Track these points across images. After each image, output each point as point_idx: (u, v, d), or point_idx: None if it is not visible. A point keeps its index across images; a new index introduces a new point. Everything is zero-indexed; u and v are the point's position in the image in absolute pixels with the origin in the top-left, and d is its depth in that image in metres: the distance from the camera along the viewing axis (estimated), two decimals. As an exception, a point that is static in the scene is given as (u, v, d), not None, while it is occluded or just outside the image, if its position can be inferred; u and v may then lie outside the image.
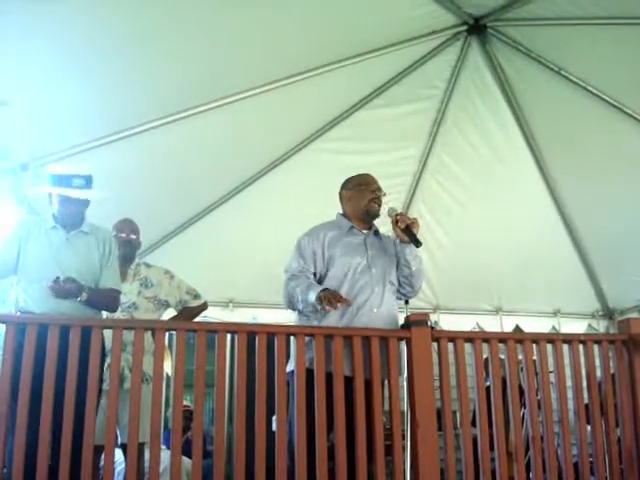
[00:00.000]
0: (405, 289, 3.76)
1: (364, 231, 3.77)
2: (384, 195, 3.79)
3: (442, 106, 5.65)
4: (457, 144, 5.94)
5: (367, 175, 3.86)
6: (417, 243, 3.55)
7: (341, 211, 3.87)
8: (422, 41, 5.03)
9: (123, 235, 4.53)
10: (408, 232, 3.55)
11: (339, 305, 3.31)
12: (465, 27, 5.01)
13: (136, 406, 3.06)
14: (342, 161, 5.49)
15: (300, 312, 3.60)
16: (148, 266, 4.67)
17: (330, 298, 3.31)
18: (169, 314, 4.89)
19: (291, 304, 3.59)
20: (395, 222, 3.59)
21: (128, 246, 4.54)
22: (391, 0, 4.58)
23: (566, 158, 5.86)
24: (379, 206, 3.75)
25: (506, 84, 5.39)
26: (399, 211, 3.66)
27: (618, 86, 5.02)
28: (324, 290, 3.38)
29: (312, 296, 3.38)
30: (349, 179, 3.87)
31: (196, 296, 4.70)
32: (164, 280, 4.62)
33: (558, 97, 5.25)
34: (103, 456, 3.05)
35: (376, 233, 3.82)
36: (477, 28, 4.99)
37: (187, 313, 4.64)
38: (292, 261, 3.65)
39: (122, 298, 4.41)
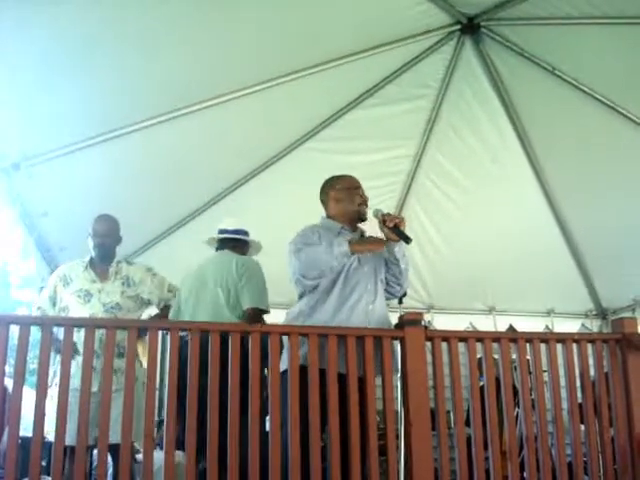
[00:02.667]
0: (394, 288, 3.76)
1: (352, 232, 3.76)
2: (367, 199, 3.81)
3: (436, 105, 5.65)
4: (451, 143, 5.94)
5: (353, 178, 3.85)
6: (408, 240, 3.55)
7: (324, 214, 3.85)
8: (415, 40, 5.03)
9: (97, 239, 4.46)
10: (397, 230, 3.54)
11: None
12: (459, 26, 5.01)
13: (129, 406, 3.05)
14: (336, 160, 5.48)
15: (310, 282, 3.55)
16: (130, 263, 4.62)
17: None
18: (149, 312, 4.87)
19: (310, 266, 3.50)
20: (383, 222, 3.58)
21: (102, 249, 4.48)
22: (384, -1, 4.58)
23: (559, 157, 5.87)
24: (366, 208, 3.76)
25: (500, 83, 5.39)
26: (385, 211, 3.64)
27: (611, 85, 5.03)
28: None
29: (343, 246, 3.47)
30: (335, 180, 3.85)
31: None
32: (146, 278, 4.57)
33: (552, 96, 5.25)
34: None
35: (362, 235, 3.82)
36: (471, 27, 4.99)
37: (168, 311, 4.57)
38: (297, 245, 3.59)
39: (105, 298, 4.38)
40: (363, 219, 3.79)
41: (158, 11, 4.08)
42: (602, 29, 4.60)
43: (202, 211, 6.11)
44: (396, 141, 5.97)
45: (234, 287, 4.22)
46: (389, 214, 3.60)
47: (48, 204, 5.12)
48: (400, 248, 3.62)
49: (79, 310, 4.31)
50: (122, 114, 4.75)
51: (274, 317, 6.03)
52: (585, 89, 5.10)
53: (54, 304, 4.45)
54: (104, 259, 4.50)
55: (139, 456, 3.79)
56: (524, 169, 6.01)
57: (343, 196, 3.79)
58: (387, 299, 3.83)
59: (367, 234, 3.83)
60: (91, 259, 4.51)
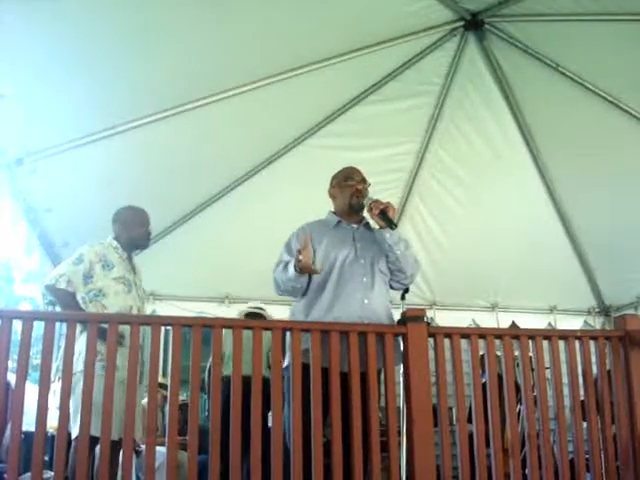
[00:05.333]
0: (398, 276, 3.72)
1: (353, 225, 3.76)
2: (368, 186, 3.78)
3: (439, 102, 5.64)
4: (454, 140, 5.94)
5: (349, 169, 3.86)
6: (391, 225, 3.55)
7: (333, 208, 3.89)
8: (419, 37, 5.02)
9: (146, 229, 4.44)
10: (383, 216, 3.54)
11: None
12: (462, 23, 5.00)
13: (132, 403, 3.06)
14: (338, 157, 5.45)
15: (289, 296, 3.69)
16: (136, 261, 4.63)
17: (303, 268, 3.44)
18: None
19: (277, 287, 3.64)
20: (370, 209, 3.59)
21: (148, 238, 4.52)
22: (388, -5, 4.57)
23: (563, 154, 5.86)
24: (363, 198, 3.72)
25: (503, 80, 5.38)
26: (374, 198, 3.64)
27: (615, 82, 5.02)
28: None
29: (291, 269, 3.47)
30: (333, 178, 3.88)
31: None
32: (142, 279, 4.57)
33: (555, 93, 5.24)
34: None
35: (367, 226, 3.81)
36: (474, 24, 4.97)
37: None
38: (280, 257, 3.69)
39: (139, 291, 4.37)
40: (357, 209, 3.76)
41: (161, 7, 4.08)
42: (606, 26, 4.59)
43: (205, 207, 6.11)
44: (399, 138, 5.96)
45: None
46: (377, 201, 3.60)
47: (51, 199, 5.13)
48: (392, 234, 3.60)
49: (123, 298, 4.21)
50: (125, 110, 4.75)
51: (278, 313, 6.09)
52: (588, 85, 5.09)
53: (86, 283, 4.18)
54: (134, 250, 4.48)
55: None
56: (527, 166, 6.01)
57: (337, 192, 3.82)
58: (396, 289, 3.83)
59: (372, 224, 3.84)
60: (122, 248, 4.38)
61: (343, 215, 3.78)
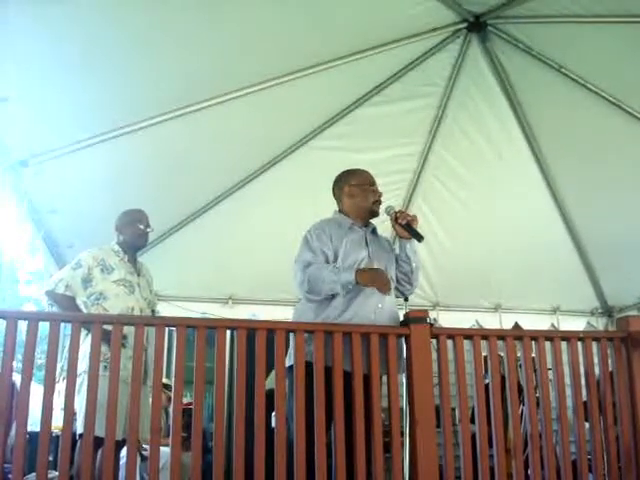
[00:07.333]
0: (404, 287, 3.76)
1: (363, 227, 3.77)
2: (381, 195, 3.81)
3: (442, 103, 5.64)
4: (457, 141, 5.94)
5: (369, 173, 3.85)
6: (419, 238, 3.57)
7: (337, 208, 3.86)
8: (422, 38, 5.02)
9: (142, 227, 4.47)
10: (409, 228, 3.56)
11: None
12: (465, 24, 4.99)
13: (136, 402, 3.07)
14: (342, 158, 5.48)
15: (313, 298, 3.54)
16: (142, 263, 4.64)
17: (376, 278, 3.37)
18: None
19: (313, 287, 3.46)
20: (395, 219, 3.60)
21: (145, 238, 4.53)
22: (391, -3, 4.57)
23: (566, 156, 5.86)
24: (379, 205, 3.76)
25: (506, 82, 5.38)
26: (397, 209, 3.66)
27: (618, 84, 5.02)
28: (363, 270, 3.42)
29: (348, 275, 3.38)
30: (350, 175, 3.84)
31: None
32: (152, 281, 4.62)
33: (558, 95, 5.24)
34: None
35: (373, 231, 3.82)
36: (477, 25, 4.97)
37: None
38: (302, 253, 3.58)
39: (143, 292, 4.39)
40: (375, 215, 3.79)
41: (166, 10, 4.09)
42: (609, 28, 4.58)
43: (209, 208, 6.12)
44: (402, 139, 5.96)
45: None
46: (401, 211, 3.64)
47: (56, 201, 5.15)
48: (411, 246, 3.64)
49: (123, 300, 4.25)
50: (130, 111, 4.76)
51: (282, 313, 6.09)
52: (591, 87, 5.08)
53: (85, 287, 4.27)
54: (136, 251, 4.51)
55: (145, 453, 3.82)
56: (530, 167, 6.00)
57: (357, 192, 3.77)
58: (396, 297, 3.84)
59: (378, 230, 3.85)
60: (123, 250, 4.44)
61: (355, 217, 3.76)
